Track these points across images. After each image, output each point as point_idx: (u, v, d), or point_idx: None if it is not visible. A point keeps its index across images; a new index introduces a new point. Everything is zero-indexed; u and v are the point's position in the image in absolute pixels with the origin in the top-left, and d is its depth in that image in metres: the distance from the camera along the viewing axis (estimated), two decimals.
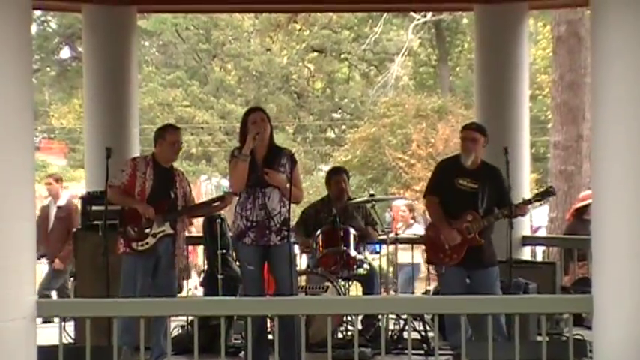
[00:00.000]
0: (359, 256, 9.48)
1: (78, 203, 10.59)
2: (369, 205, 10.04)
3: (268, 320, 7.96)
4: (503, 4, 10.86)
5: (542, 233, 18.39)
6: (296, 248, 9.23)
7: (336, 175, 10.17)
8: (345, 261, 9.35)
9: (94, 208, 9.21)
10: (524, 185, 10.14)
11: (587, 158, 16.17)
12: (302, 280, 9.08)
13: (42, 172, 32.04)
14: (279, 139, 29.81)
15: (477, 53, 11.47)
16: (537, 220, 20.56)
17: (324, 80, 36.22)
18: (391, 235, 10.25)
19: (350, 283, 9.44)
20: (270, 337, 8.00)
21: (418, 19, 31.33)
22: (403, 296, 10.89)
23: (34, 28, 30.59)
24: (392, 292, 11.88)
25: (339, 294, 8.95)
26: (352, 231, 9.52)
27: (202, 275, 10.55)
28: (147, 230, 8.36)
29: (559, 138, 17.76)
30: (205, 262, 10.35)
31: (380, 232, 10.07)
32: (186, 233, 9.11)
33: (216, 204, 8.73)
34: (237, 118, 27.20)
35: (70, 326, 8.63)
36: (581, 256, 10.66)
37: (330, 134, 36.70)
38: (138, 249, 8.35)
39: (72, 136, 36.38)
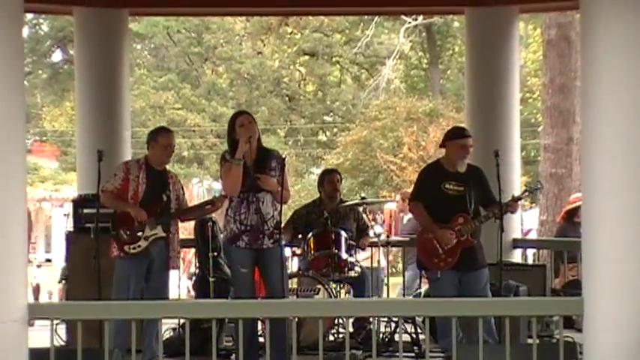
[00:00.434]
0: (350, 259, 9.50)
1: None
2: (360, 209, 10.06)
3: (259, 323, 7.97)
4: (494, 8, 10.86)
5: (532, 236, 18.41)
6: (287, 251, 9.22)
7: (330, 174, 10.20)
8: (337, 264, 9.36)
9: (86, 210, 9.17)
10: (515, 188, 10.11)
11: (578, 161, 16.21)
12: (293, 282, 9.08)
13: (34, 175, 32.08)
14: (271, 142, 29.81)
15: (467, 56, 11.48)
16: (528, 222, 20.61)
17: (315, 83, 36.26)
18: (382, 238, 10.25)
19: (341, 285, 9.45)
20: (261, 339, 8.01)
21: (409, 23, 31.38)
22: (394, 299, 10.90)
23: (25, 31, 30.58)
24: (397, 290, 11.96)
25: (331, 297, 8.96)
26: (343, 234, 9.54)
27: (194, 278, 10.53)
28: (139, 233, 8.35)
29: (549, 141, 17.77)
30: (197, 264, 10.34)
31: (371, 237, 10.08)
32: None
33: (207, 207, 8.74)
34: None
35: (62, 329, 8.61)
36: (571, 259, 10.66)
37: (322, 137, 36.72)
38: (130, 252, 8.34)
39: (64, 138, 36.35)
